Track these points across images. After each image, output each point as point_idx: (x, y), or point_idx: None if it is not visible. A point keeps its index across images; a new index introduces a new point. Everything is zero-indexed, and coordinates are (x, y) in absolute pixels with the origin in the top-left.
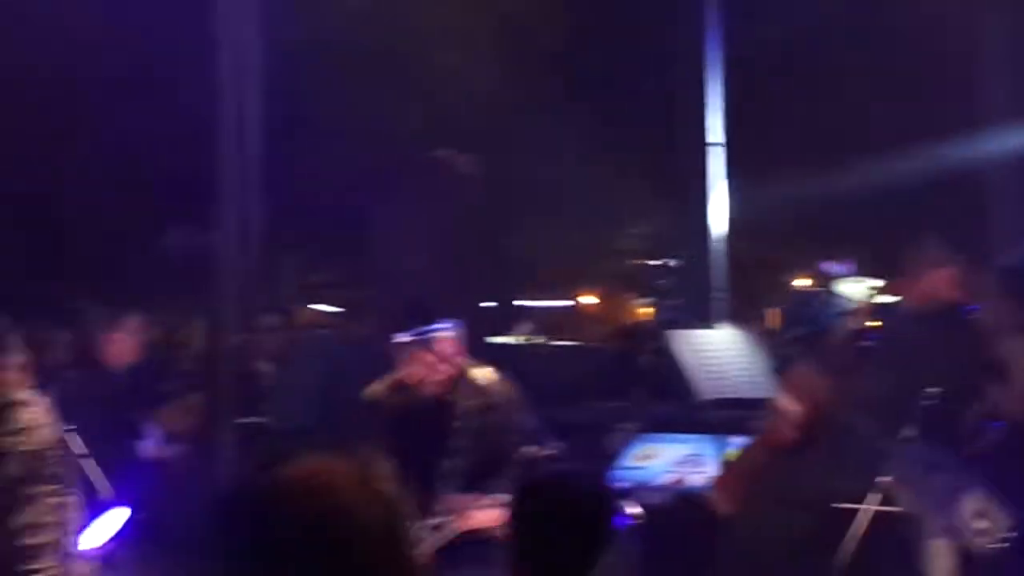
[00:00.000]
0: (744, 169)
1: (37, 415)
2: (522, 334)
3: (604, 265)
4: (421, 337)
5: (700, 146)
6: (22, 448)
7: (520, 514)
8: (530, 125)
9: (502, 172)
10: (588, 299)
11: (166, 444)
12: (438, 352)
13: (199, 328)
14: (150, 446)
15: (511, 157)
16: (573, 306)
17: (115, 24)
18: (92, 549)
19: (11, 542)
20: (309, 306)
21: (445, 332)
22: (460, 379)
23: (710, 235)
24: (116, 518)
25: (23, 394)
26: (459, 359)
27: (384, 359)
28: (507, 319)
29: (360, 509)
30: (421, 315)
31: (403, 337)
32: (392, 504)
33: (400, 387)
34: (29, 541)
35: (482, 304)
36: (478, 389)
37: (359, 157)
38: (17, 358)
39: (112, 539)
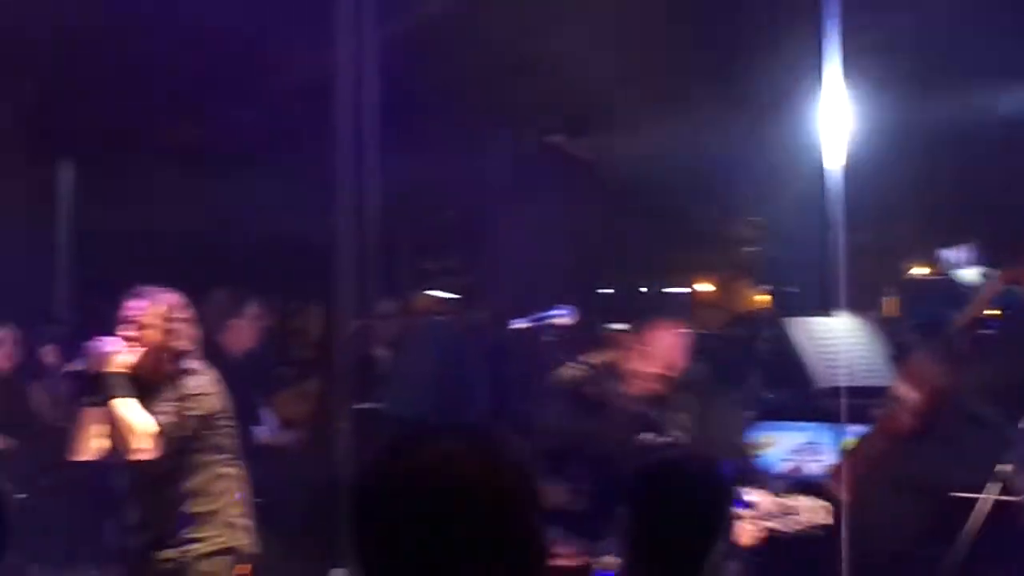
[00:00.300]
0: (859, 157)
1: (206, 384)
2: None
3: (721, 252)
4: (537, 323)
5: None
6: (190, 414)
7: (638, 501)
8: (652, 112)
9: (621, 158)
10: (704, 286)
11: (281, 431)
12: (654, 344)
13: (316, 315)
14: (265, 432)
15: (633, 143)
16: (689, 293)
17: (233, 5)
18: None
19: (176, 508)
20: (425, 292)
21: (562, 318)
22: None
23: (828, 222)
24: None
25: (194, 363)
26: (677, 359)
27: (499, 345)
28: (624, 306)
29: (486, 496)
30: (538, 301)
31: (519, 323)
32: (518, 490)
33: (600, 375)
34: (193, 509)
35: (600, 291)
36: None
37: (476, 143)
38: (189, 330)
39: None
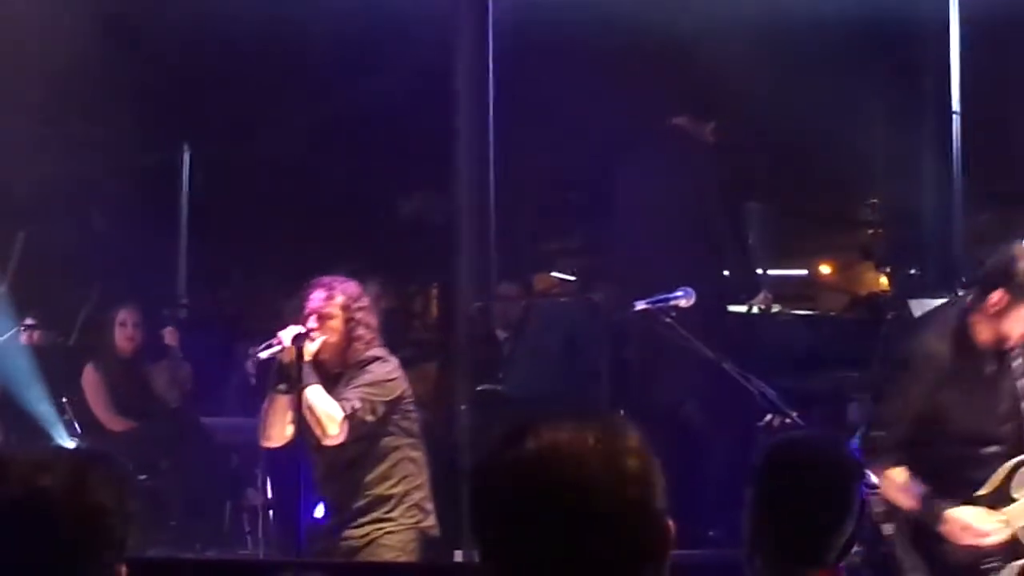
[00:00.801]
0: (982, 137)
1: (391, 370)
2: (759, 303)
3: (842, 234)
4: (658, 305)
5: (941, 114)
6: (378, 400)
7: (765, 482)
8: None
9: (743, 139)
10: (825, 268)
11: None
12: None
13: (436, 296)
14: None
15: (753, 125)
16: (810, 275)
17: None
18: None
19: (364, 491)
20: (546, 273)
21: (684, 300)
22: None
23: (952, 204)
24: None
25: (378, 350)
26: None
27: (621, 327)
28: (744, 287)
29: (605, 479)
30: (658, 283)
31: (641, 305)
32: (637, 473)
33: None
34: (382, 491)
35: (723, 272)
36: None
37: (599, 121)
38: (370, 318)
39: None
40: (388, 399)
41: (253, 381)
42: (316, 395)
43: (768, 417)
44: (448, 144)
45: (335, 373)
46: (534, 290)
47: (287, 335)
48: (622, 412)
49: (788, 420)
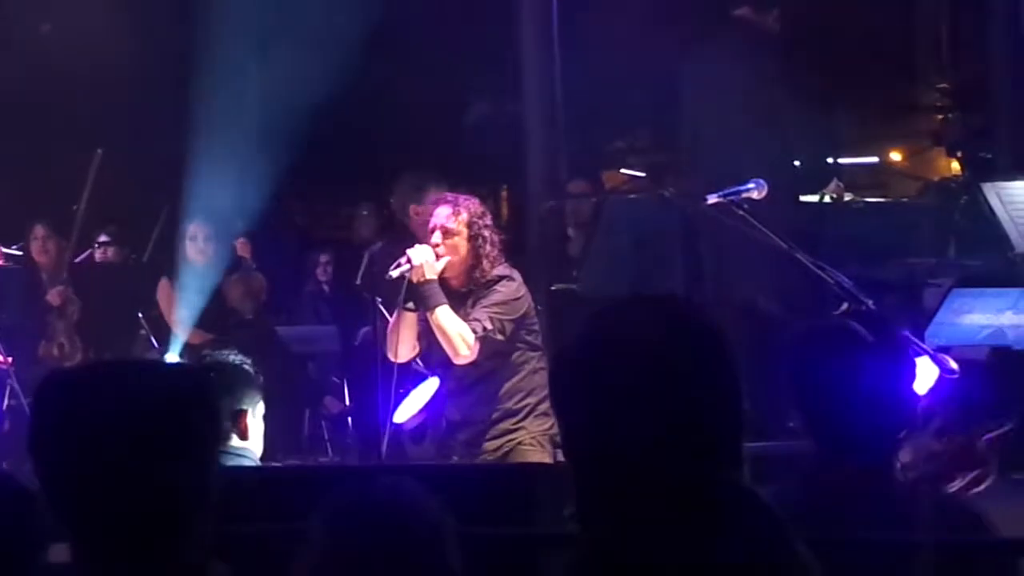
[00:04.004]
0: None
1: (516, 288)
2: (830, 192)
3: (912, 120)
4: (730, 198)
5: None
6: (506, 318)
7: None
8: None
9: (808, 30)
10: (896, 155)
11: None
12: None
13: (505, 197)
14: None
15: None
16: (881, 162)
17: None
18: (407, 420)
19: (497, 404)
20: (615, 170)
21: (755, 191)
22: None
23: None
24: (427, 389)
25: (503, 269)
26: None
27: (692, 222)
28: (815, 177)
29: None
30: (728, 175)
31: (712, 198)
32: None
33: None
34: (514, 404)
35: (794, 162)
36: None
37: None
38: (494, 235)
39: (423, 409)
40: (516, 317)
41: (326, 289)
42: (446, 316)
43: (844, 306)
44: (514, 46)
45: (462, 291)
46: (605, 188)
47: (415, 254)
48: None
49: (864, 308)
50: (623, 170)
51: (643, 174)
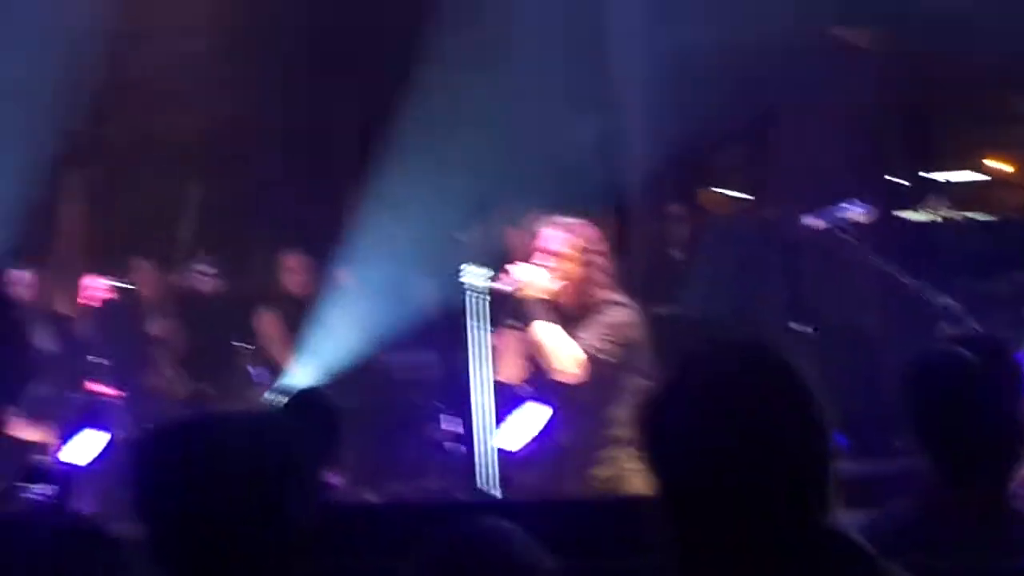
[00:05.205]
0: None
1: (628, 315)
2: (932, 208)
3: (1011, 131)
4: (831, 219)
5: None
6: (615, 344)
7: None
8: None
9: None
10: (996, 167)
11: None
12: None
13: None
14: None
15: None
16: (980, 176)
17: None
18: (517, 448)
19: (606, 432)
20: (714, 190)
21: (857, 213)
22: None
23: None
24: (538, 417)
25: (615, 296)
26: None
27: (794, 243)
28: (915, 194)
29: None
30: (828, 195)
31: (812, 219)
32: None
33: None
34: (622, 432)
35: (892, 180)
36: None
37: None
38: (607, 262)
39: (534, 437)
40: (625, 343)
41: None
42: (553, 336)
43: (946, 326)
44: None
45: (572, 316)
46: (703, 208)
47: (522, 273)
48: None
49: (967, 329)
50: (721, 190)
51: (743, 194)
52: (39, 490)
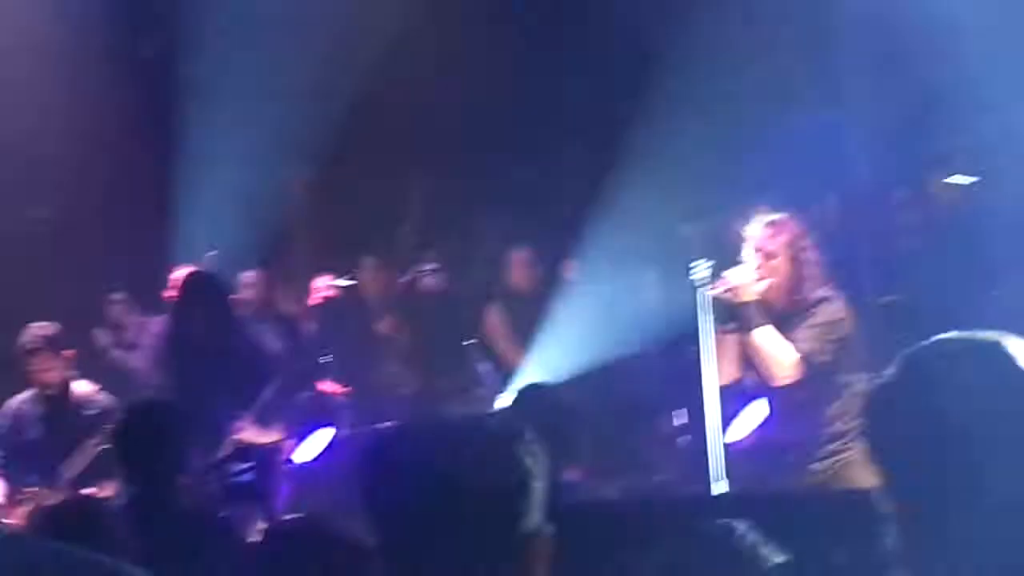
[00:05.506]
0: None
1: (840, 309)
2: None
3: None
4: None
5: None
6: (830, 340)
7: None
8: None
9: None
10: None
11: None
12: None
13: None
14: None
15: None
16: None
17: None
18: (737, 441)
19: (824, 427)
20: (942, 179)
21: None
22: None
23: None
24: (756, 411)
25: (825, 291)
26: None
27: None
28: None
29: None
30: None
31: None
32: None
33: None
34: (839, 426)
35: None
36: None
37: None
38: (815, 256)
39: (752, 431)
40: (838, 338)
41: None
42: (765, 336)
43: None
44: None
45: (783, 313)
46: (931, 197)
47: (734, 274)
48: None
49: None
50: (952, 178)
51: (973, 179)
52: (239, 472)
